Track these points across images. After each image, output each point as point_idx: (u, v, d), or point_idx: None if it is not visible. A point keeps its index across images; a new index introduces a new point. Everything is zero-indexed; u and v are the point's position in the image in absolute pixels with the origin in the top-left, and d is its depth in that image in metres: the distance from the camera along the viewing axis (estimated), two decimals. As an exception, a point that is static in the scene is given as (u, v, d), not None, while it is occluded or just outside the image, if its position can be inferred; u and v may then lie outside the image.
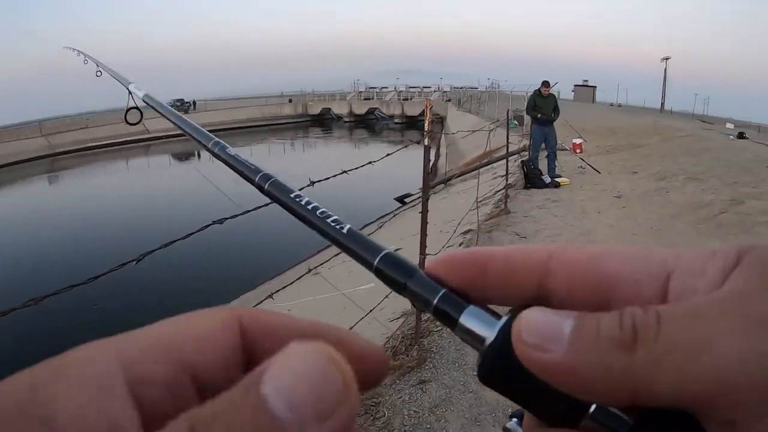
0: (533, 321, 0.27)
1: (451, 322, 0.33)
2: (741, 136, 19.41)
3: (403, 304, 5.45)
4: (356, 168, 3.64)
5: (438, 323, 4.81)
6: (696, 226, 7.53)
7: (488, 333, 0.31)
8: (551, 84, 12.45)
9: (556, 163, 12.92)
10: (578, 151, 17.14)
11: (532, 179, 11.66)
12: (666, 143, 18.27)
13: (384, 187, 24.31)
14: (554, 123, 12.68)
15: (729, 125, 28.28)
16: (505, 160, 17.87)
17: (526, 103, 13.59)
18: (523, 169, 12.06)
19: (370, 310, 4.44)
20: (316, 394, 0.22)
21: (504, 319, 0.31)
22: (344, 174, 3.43)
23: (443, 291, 0.33)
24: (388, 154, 3.81)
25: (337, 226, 0.39)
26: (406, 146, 4.04)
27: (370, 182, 23.94)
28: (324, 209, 0.41)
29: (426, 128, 3.97)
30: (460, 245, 7.77)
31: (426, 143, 4.06)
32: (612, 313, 0.26)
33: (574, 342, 0.26)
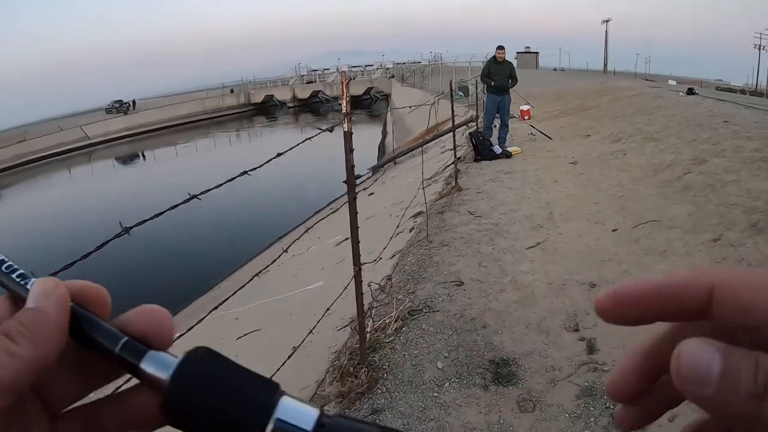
0: (686, 356, 0.30)
1: (132, 369, 0.34)
2: (690, 92, 19.10)
3: (353, 308, 4.94)
4: (291, 148, 3.07)
5: (389, 332, 4.20)
6: (661, 190, 6.97)
7: (165, 374, 0.33)
8: (505, 49, 11.74)
9: (508, 133, 12.38)
10: (527, 117, 16.61)
11: (482, 151, 11.01)
12: (615, 103, 17.83)
13: (331, 169, 23.67)
14: (509, 91, 12.09)
15: (671, 82, 28.61)
16: (452, 134, 17.69)
17: (480, 72, 12.83)
18: (472, 141, 11.41)
19: (313, 327, 3.70)
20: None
21: (178, 359, 0.33)
22: (285, 159, 2.94)
23: (125, 339, 0.34)
24: (307, 139, 3.04)
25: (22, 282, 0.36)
26: (330, 130, 3.25)
27: (316, 166, 23.43)
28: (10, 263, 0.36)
29: (344, 109, 3.17)
30: (410, 231, 7.13)
31: (346, 128, 3.27)
32: (750, 365, 0.29)
33: (720, 387, 0.29)
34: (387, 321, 4.27)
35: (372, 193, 14.88)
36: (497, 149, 11.15)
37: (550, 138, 12.62)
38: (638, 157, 8.98)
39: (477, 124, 14.08)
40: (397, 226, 7.00)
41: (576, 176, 8.54)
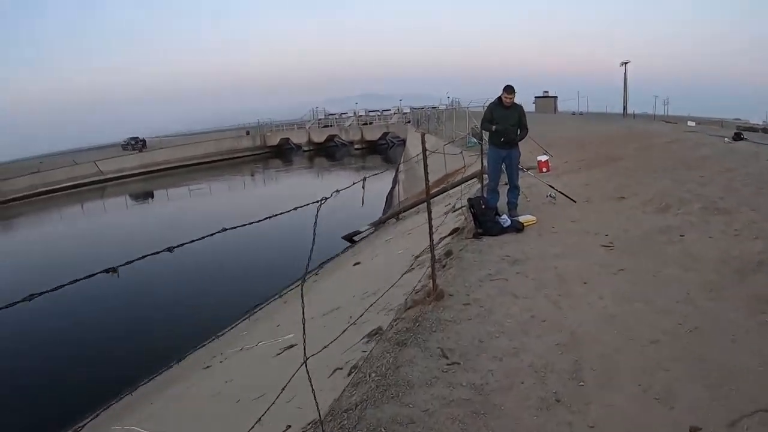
0: None
1: None
2: (738, 137, 16.20)
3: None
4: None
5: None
6: (762, 318, 4.22)
7: None
8: (515, 91, 9.13)
9: (520, 195, 9.71)
10: (544, 170, 13.89)
11: (483, 223, 8.24)
12: (648, 153, 15.08)
13: (332, 223, 21.53)
14: (518, 143, 9.46)
15: (690, 123, 27.04)
16: (461, 186, 15.01)
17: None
18: (471, 210, 8.63)
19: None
20: None
21: None
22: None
23: None
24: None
25: None
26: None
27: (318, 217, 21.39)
28: None
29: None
30: (336, 380, 4.44)
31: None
32: None
33: None
34: None
35: (358, 263, 12.26)
36: (504, 220, 8.37)
37: (574, 201, 9.85)
38: (704, 243, 6.21)
39: (481, 183, 11.40)
40: (345, 352, 4.37)
41: (614, 273, 5.70)
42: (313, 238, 2.93)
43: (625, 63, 51.16)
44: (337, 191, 2.96)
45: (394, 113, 65.05)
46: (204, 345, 11.04)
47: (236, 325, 11.53)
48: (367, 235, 19.09)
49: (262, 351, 7.98)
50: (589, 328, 4.42)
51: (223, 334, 11.20)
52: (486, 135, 10.06)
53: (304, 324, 3.23)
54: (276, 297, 13.73)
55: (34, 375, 12.16)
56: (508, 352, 4.13)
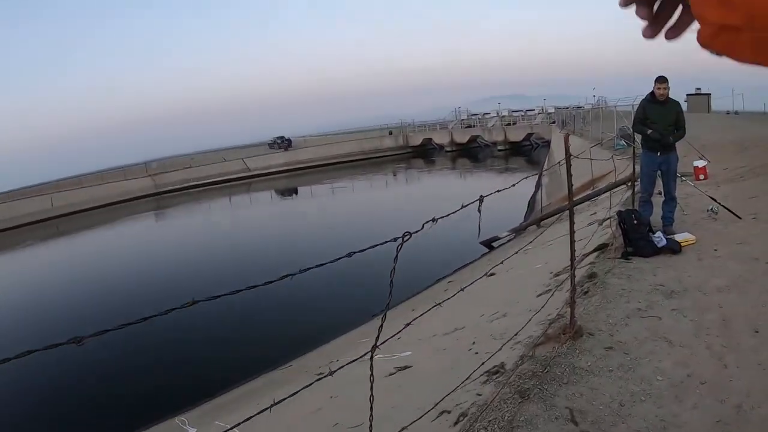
0: None
1: None
2: None
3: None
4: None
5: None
6: None
7: None
8: (668, 82, 8.13)
9: (677, 208, 8.64)
10: (702, 177, 12.50)
11: (634, 241, 7.30)
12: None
13: (471, 226, 21.04)
14: (675, 146, 8.37)
15: None
16: (609, 193, 13.85)
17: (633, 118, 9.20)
18: (621, 225, 7.64)
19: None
20: None
21: None
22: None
23: None
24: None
25: None
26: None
27: (458, 220, 21.22)
28: None
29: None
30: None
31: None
32: None
33: None
34: None
35: (492, 274, 11.43)
36: (659, 239, 7.31)
37: (739, 217, 8.60)
38: None
39: (632, 191, 10.27)
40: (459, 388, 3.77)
41: (795, 320, 4.69)
42: (391, 281, 2.37)
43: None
44: (434, 220, 2.46)
45: (538, 113, 62.87)
46: (330, 342, 10.87)
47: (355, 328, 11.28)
48: (506, 242, 18.33)
49: (375, 367, 7.48)
50: (759, 400, 3.51)
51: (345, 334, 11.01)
52: (639, 137, 9.04)
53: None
54: (405, 300, 13.34)
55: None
56: (654, 425, 3.31)
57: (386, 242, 2.45)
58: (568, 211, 5.75)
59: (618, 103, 26.64)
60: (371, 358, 2.60)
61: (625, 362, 4.16)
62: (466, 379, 4.37)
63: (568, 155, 4.79)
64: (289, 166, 63.35)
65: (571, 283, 4.88)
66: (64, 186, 55.59)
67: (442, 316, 9.73)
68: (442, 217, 2.61)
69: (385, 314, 2.52)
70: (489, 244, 18.34)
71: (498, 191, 3.28)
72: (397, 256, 2.26)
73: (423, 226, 2.43)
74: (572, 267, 4.98)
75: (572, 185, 4.95)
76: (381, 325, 2.46)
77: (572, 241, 5.05)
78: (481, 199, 3.01)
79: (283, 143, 71.65)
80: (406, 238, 2.19)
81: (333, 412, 6.10)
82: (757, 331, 4.49)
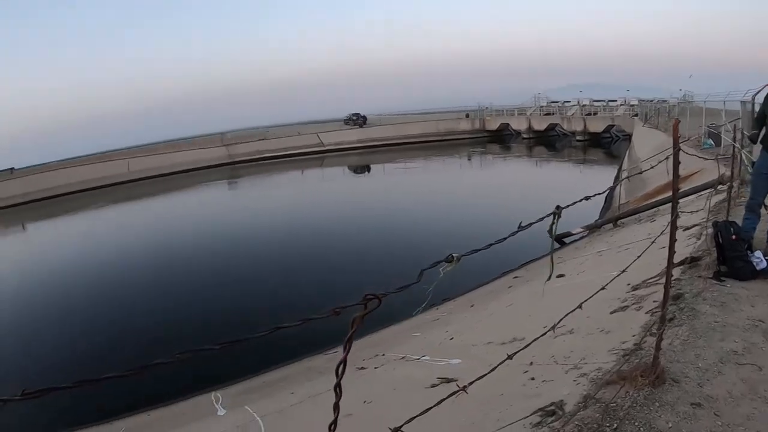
0: None
1: None
2: None
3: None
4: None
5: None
6: None
7: None
8: None
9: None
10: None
11: (730, 259, 6.23)
12: None
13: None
14: None
15: None
16: (708, 195, 12.80)
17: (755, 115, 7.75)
18: (717, 238, 6.50)
19: None
20: None
21: None
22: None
23: None
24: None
25: None
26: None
27: (528, 207, 20.72)
28: None
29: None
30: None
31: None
32: None
33: None
34: None
35: (561, 275, 10.67)
36: (758, 259, 6.24)
37: None
38: None
39: (728, 196, 9.15)
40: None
41: None
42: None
43: None
44: (456, 256, 1.88)
45: (620, 105, 60.55)
46: (379, 332, 10.54)
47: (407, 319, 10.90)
48: (579, 239, 17.57)
49: (420, 371, 7.00)
50: None
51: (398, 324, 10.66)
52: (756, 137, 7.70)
53: None
54: (465, 293, 12.88)
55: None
56: None
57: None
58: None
59: (707, 100, 25.08)
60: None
61: (715, 429, 3.27)
62: (515, 422, 3.83)
63: (676, 144, 3.87)
64: (362, 143, 64.34)
65: (663, 308, 4.05)
66: (138, 153, 59.96)
67: (500, 318, 9.23)
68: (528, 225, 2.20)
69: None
70: (560, 240, 17.59)
71: (574, 203, 2.73)
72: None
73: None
74: (666, 290, 4.10)
75: (678, 175, 3.99)
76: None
77: (671, 252, 4.05)
78: (558, 213, 2.56)
79: (358, 120, 72.75)
80: (444, 268, 1.75)
81: (366, 418, 5.63)
82: None
